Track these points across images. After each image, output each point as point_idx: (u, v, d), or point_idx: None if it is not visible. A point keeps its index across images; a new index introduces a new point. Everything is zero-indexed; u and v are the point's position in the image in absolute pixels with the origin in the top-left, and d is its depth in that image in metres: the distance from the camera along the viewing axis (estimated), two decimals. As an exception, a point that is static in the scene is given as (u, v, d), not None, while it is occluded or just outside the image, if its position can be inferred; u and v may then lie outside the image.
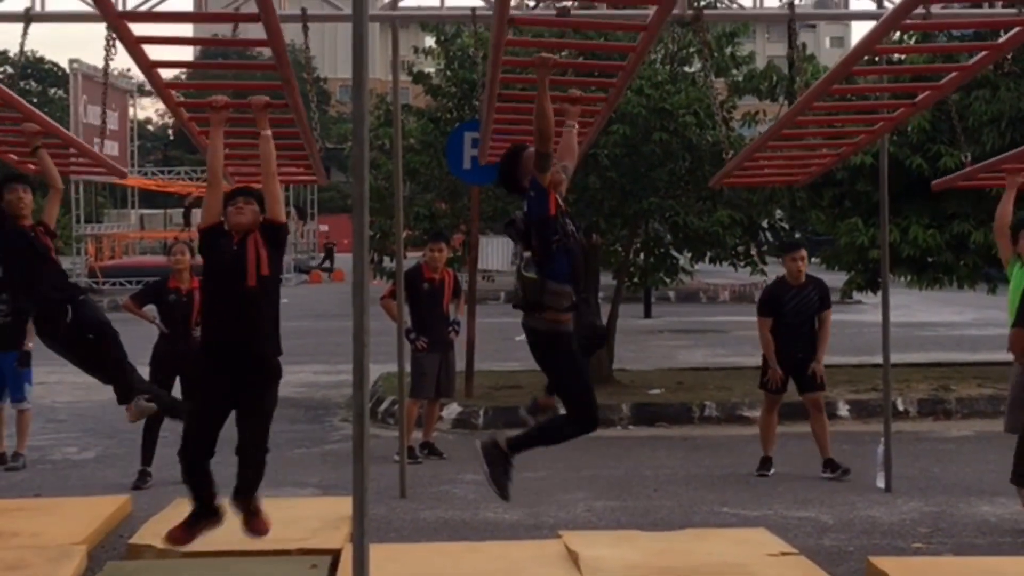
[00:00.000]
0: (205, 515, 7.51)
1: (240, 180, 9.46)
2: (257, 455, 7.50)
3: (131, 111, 42.54)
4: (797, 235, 17.82)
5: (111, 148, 43.03)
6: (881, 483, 10.84)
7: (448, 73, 16.58)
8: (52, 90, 65.74)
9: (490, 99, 8.59)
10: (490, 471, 7.24)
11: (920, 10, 8.07)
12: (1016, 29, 7.64)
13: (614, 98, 8.73)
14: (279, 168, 7.95)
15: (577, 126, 7.90)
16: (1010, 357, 8.82)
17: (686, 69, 16.46)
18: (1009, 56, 10.14)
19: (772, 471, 11.55)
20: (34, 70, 65.45)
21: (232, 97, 7.94)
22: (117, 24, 7.46)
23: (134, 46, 7.54)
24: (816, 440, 11.58)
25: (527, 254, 7.23)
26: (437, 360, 12.33)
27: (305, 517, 9.30)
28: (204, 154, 8.06)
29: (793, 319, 11.51)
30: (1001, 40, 7.97)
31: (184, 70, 34.82)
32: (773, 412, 11.71)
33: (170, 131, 72.69)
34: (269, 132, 7.62)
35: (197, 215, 52.41)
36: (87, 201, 43.55)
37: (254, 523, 7.58)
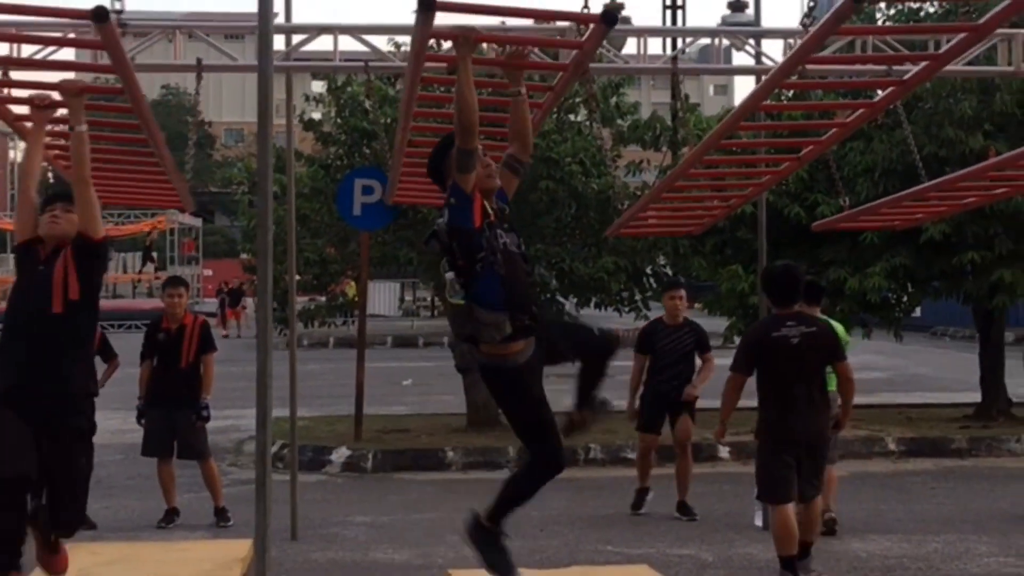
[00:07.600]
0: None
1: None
2: (71, 526, 6.76)
3: (10, 154, 42.14)
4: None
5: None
6: (759, 521, 11.10)
7: (339, 120, 16.80)
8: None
9: (401, 141, 8.74)
10: (485, 558, 6.29)
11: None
12: (891, 89, 8.09)
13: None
14: (148, 194, 7.35)
15: (526, 94, 6.49)
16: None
17: (572, 118, 16.83)
18: (882, 111, 10.60)
19: (644, 509, 11.55)
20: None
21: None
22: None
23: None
24: (677, 480, 11.66)
25: (450, 275, 6.07)
26: (162, 416, 11.27)
27: (198, 559, 9.34)
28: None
29: (668, 358, 11.60)
30: (876, 99, 8.42)
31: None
32: (648, 456, 11.76)
33: (50, 174, 71.68)
34: (83, 128, 6.53)
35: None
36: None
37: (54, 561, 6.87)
